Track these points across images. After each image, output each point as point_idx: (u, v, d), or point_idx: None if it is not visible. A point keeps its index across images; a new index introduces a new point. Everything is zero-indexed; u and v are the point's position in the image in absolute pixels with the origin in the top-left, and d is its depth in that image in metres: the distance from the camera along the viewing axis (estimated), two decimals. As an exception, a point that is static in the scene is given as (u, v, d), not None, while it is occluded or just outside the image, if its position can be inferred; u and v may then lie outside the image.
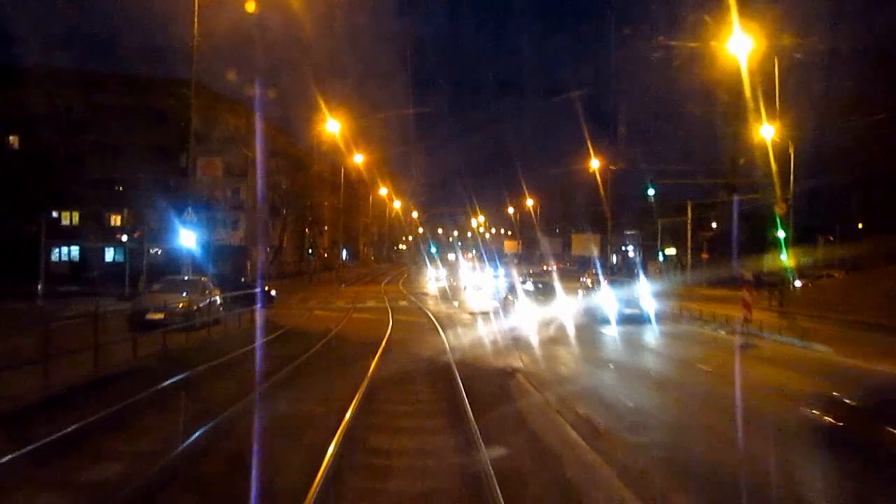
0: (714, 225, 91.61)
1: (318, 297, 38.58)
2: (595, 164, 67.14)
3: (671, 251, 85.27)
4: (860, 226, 54.43)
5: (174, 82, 37.39)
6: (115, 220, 51.17)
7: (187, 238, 23.78)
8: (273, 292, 30.40)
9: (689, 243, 62.55)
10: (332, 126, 50.17)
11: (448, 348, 17.37)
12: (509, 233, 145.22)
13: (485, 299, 36.58)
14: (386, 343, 18.28)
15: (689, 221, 62.69)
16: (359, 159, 64.51)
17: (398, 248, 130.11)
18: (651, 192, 49.08)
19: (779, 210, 32.44)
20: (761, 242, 48.70)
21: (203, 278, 22.01)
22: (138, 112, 50.38)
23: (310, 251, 54.41)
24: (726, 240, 59.05)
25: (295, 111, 64.20)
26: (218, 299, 21.30)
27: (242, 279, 32.16)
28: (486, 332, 22.53)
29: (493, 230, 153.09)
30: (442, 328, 22.08)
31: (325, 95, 47.45)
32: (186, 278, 21.87)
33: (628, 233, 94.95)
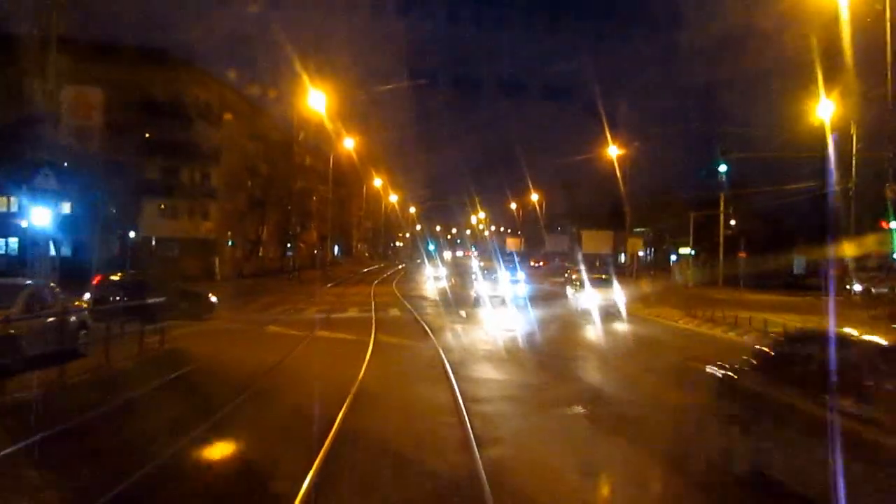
0: (733, 222, 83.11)
1: (288, 301, 30.00)
2: (613, 151, 58.93)
3: (685, 250, 77.63)
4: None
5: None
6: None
7: (39, 217, 15.01)
8: (214, 299, 21.71)
9: (720, 239, 53.84)
10: (317, 99, 41.44)
11: (470, 434, 8.24)
12: (508, 230, 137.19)
13: (508, 312, 26.92)
14: (345, 413, 9.13)
15: (721, 213, 54.13)
16: (350, 144, 55.79)
17: (395, 246, 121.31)
18: (723, 168, 40.05)
19: (890, 193, 23.96)
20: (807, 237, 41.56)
21: (40, 283, 13.26)
22: None
23: (288, 246, 45.68)
24: (748, 238, 51.20)
25: (283, 97, 56.23)
26: (75, 316, 12.61)
27: (173, 283, 23.16)
28: (548, 388, 12.63)
29: (493, 227, 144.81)
30: (453, 368, 13.17)
31: (311, 69, 39.08)
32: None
33: (637, 230, 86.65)
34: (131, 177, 43.47)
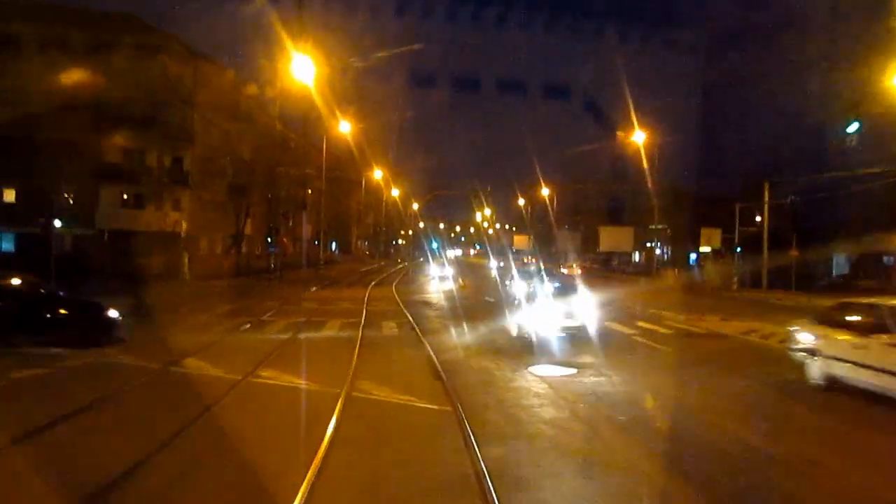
0: (758, 218, 76.12)
1: (255, 310, 22.63)
2: (639, 137, 51.58)
3: (706, 248, 70.02)
4: None
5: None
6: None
7: None
8: (114, 314, 14.26)
9: (765, 234, 46.21)
10: (303, 68, 33.96)
11: None
12: (513, 228, 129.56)
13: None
14: None
15: (765, 203, 46.55)
16: (346, 129, 48.27)
17: (396, 244, 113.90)
18: (854, 126, 32.20)
19: None
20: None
21: None
22: None
23: (269, 240, 38.19)
24: (775, 236, 44.72)
25: (270, 74, 49.52)
26: None
27: (61, 293, 15.56)
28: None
29: (498, 226, 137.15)
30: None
31: (300, 45, 31.67)
32: None
33: (653, 227, 79.38)
34: (87, 159, 36.35)
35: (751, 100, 55.11)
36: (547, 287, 18.81)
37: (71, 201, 35.96)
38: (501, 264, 39.34)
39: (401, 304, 25.99)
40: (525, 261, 60.26)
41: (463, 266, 67.32)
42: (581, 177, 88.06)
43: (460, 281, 44.96)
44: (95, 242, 35.78)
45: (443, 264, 52.77)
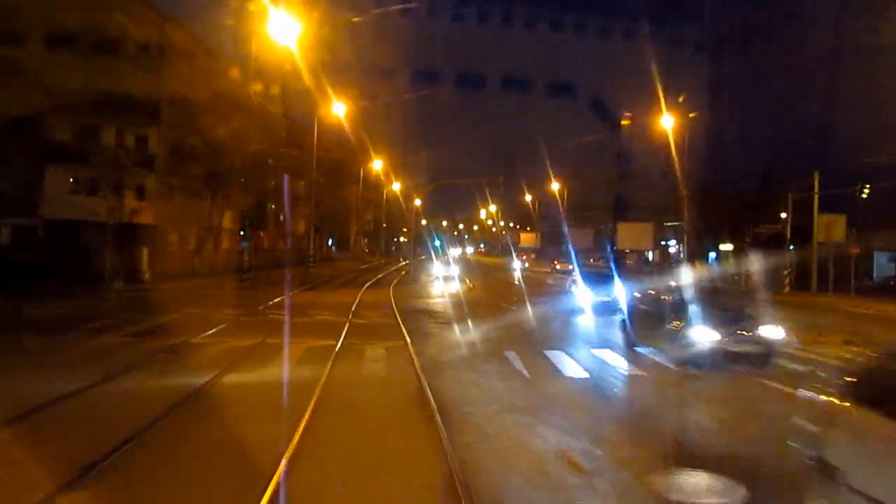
0: (784, 215, 69.31)
1: (198, 325, 16.08)
2: (667, 122, 45.10)
3: (727, 247, 64.10)
4: None
5: None
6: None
7: None
8: None
9: (815, 228, 39.33)
10: (284, 30, 27.30)
11: None
12: (517, 226, 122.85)
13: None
14: None
15: (815, 193, 39.83)
16: (340, 111, 41.61)
17: (398, 241, 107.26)
18: None
19: None
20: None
21: None
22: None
23: (241, 233, 31.45)
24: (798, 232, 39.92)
25: (252, 46, 43.30)
26: None
27: None
28: None
29: (502, 223, 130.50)
30: None
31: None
32: None
33: (668, 224, 72.82)
34: (29, 137, 29.95)
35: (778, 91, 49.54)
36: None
37: (10, 186, 29.60)
38: (572, 270, 31.69)
39: (397, 315, 19.43)
40: (593, 261, 53.11)
41: (471, 266, 60.62)
42: (588, 173, 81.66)
43: (467, 282, 38.40)
44: (37, 235, 29.33)
45: (447, 263, 46.32)
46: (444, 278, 40.67)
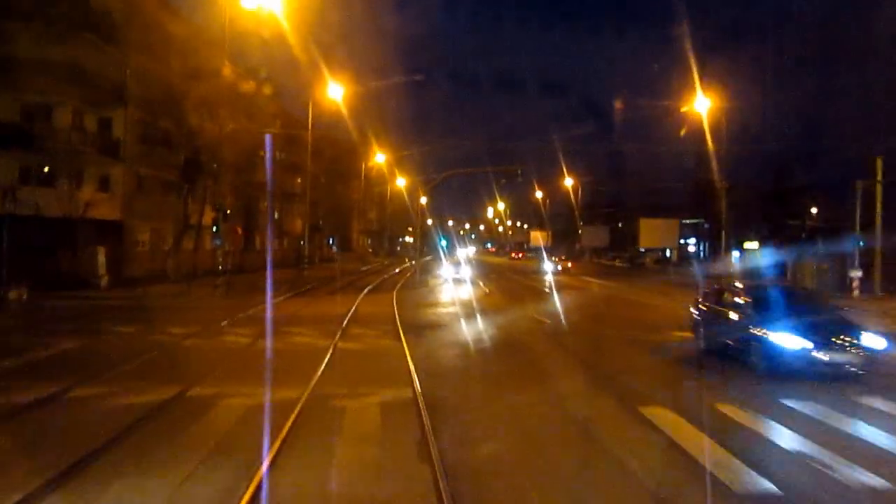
0: (814, 210, 63.99)
1: (104, 357, 10.85)
2: (701, 106, 39.47)
3: (752, 244, 58.61)
4: None
5: None
6: None
7: None
8: None
9: (877, 219, 33.70)
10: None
11: None
12: (525, 225, 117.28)
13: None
14: None
15: (878, 182, 34.30)
16: (337, 94, 36.18)
17: (402, 240, 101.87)
18: None
19: None
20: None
21: None
22: None
23: (214, 229, 25.92)
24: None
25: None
26: None
27: None
28: None
29: (510, 222, 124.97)
30: None
31: None
32: None
33: (687, 222, 67.35)
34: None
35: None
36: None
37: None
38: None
39: (401, 336, 14.04)
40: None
41: (483, 267, 55.09)
42: (601, 170, 76.20)
43: (482, 285, 33.04)
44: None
45: (458, 263, 40.92)
46: (453, 281, 35.35)
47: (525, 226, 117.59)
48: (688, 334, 13.98)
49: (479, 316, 19.07)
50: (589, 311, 22.03)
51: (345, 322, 16.36)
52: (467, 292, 28.25)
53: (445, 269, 40.22)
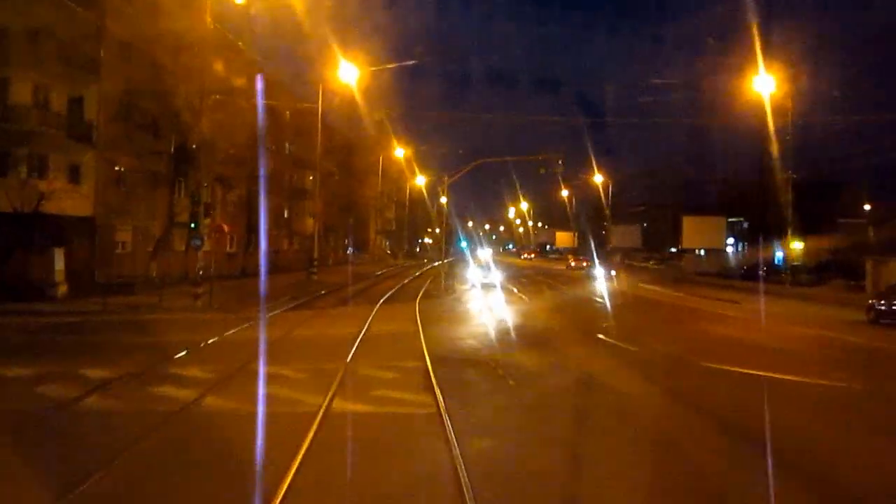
0: (868, 207, 57.98)
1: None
2: (764, 86, 34.61)
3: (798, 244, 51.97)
4: None
5: None
6: None
7: None
8: None
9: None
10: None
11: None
12: (546, 226, 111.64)
13: None
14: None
15: None
16: (351, 76, 30.97)
17: (422, 241, 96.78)
18: None
19: None
20: None
21: None
22: None
23: (192, 226, 20.86)
24: None
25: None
26: None
27: None
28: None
29: (531, 223, 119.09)
30: None
31: None
32: None
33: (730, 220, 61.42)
34: None
35: None
36: None
37: None
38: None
39: (434, 384, 8.88)
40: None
41: (514, 270, 49.19)
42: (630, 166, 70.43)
43: (516, 291, 27.83)
44: None
45: (486, 266, 35.64)
46: (482, 286, 30.22)
47: (546, 226, 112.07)
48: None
49: (534, 341, 13.90)
50: (678, 332, 16.75)
51: (351, 354, 11.26)
52: (505, 303, 23.06)
53: (472, 274, 35.07)
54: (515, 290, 30.13)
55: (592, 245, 47.78)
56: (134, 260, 26.35)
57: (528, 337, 14.56)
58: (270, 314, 17.78)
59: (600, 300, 25.06)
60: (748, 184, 53.40)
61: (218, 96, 24.60)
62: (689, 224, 47.87)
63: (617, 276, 37.12)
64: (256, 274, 34.72)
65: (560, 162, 30.22)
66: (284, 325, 15.63)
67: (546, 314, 19.75)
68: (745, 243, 60.59)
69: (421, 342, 12.84)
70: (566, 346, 13.41)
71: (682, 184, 65.17)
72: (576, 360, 11.65)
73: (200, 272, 18.49)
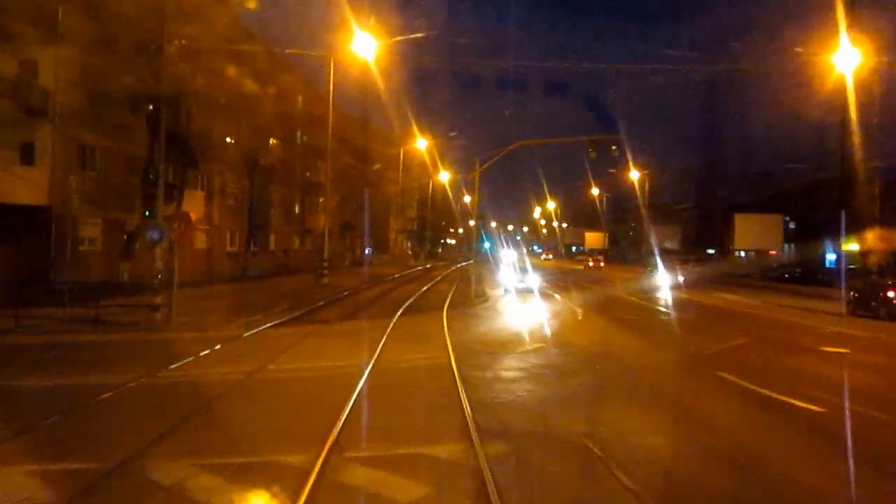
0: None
1: None
2: (845, 62, 28.15)
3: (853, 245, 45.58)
4: None
5: None
6: None
7: None
8: None
9: None
10: None
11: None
12: (570, 226, 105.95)
13: None
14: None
15: None
16: (366, 53, 25.90)
17: (445, 242, 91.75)
18: None
19: None
20: None
21: None
22: None
23: (146, 214, 16.20)
24: None
25: None
26: None
27: None
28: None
29: (556, 223, 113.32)
30: None
31: None
32: None
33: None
34: None
35: None
36: None
37: None
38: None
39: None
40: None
41: (541, 272, 43.43)
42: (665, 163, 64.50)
43: (558, 298, 22.84)
44: None
45: (523, 269, 30.50)
46: (517, 291, 25.27)
47: (571, 226, 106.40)
48: None
49: (634, 384, 8.93)
50: (821, 365, 11.66)
51: (341, 421, 6.35)
52: (555, 317, 18.05)
53: (505, 277, 30.07)
54: (558, 296, 25.08)
55: (653, 243, 42.29)
56: (109, 260, 21.76)
57: (619, 377, 9.55)
58: (252, 331, 13.02)
59: (668, 311, 19.93)
60: (789, 181, 48.05)
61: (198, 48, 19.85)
62: (742, 222, 42.38)
63: (685, 281, 31.55)
64: (260, 276, 30.18)
65: (615, 148, 24.97)
66: (262, 351, 10.80)
67: (621, 335, 14.56)
68: (792, 244, 54.88)
69: (458, 389, 7.93)
70: (685, 396, 8.38)
71: (724, 180, 59.60)
72: (709, 427, 6.67)
73: (159, 276, 13.69)
